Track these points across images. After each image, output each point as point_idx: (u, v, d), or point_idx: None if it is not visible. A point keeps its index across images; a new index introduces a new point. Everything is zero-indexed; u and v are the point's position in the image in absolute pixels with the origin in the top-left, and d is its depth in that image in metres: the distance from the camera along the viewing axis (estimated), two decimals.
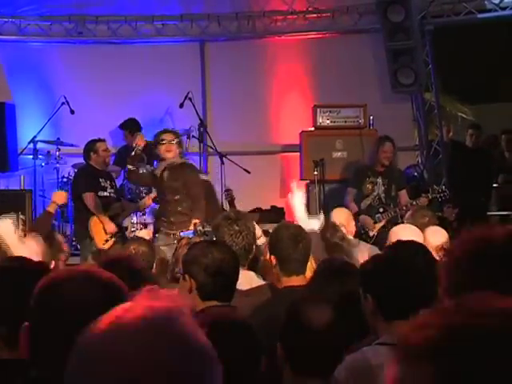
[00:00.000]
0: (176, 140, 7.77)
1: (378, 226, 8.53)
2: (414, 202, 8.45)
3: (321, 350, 2.74)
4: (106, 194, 8.83)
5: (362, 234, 8.29)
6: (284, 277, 4.12)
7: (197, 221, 7.20)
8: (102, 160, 8.93)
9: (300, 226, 4.52)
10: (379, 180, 8.81)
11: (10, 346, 2.34)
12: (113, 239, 8.52)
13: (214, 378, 1.22)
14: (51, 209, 6.59)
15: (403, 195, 8.82)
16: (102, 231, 8.53)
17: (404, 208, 8.42)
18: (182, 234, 7.22)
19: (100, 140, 9.02)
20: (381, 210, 8.69)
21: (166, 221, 7.63)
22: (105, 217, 8.59)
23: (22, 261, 2.68)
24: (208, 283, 3.56)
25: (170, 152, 7.68)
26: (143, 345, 1.16)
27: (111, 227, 8.55)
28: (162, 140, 7.72)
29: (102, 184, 8.84)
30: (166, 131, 7.96)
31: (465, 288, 2.03)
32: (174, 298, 1.25)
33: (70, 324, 1.63)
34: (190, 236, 6.62)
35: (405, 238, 5.33)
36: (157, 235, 7.82)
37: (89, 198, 8.65)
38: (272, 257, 4.18)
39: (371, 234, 8.47)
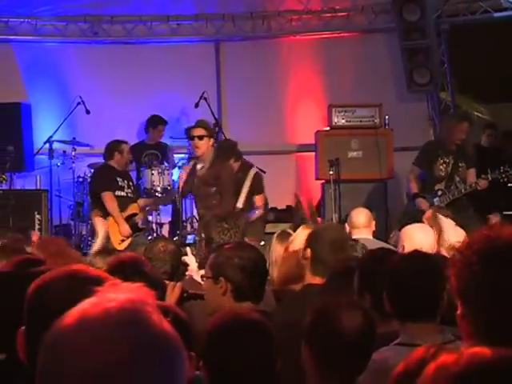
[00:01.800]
0: (206, 134, 7.82)
1: None
2: (474, 184, 8.29)
3: (348, 351, 2.71)
4: (123, 193, 8.84)
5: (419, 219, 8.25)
6: (311, 275, 4.13)
7: None
8: (125, 161, 9.00)
9: (343, 232, 4.54)
10: (451, 159, 8.55)
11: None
12: (129, 239, 8.53)
13: (180, 366, 1.23)
14: None
15: (471, 174, 8.51)
16: (118, 231, 8.55)
17: (466, 189, 8.26)
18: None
19: (125, 142, 9.10)
20: (439, 193, 8.53)
21: None
22: (121, 218, 8.60)
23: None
24: (245, 283, 3.58)
25: (197, 148, 7.79)
26: (108, 338, 1.17)
27: (125, 230, 8.56)
28: (191, 135, 7.85)
29: (120, 184, 8.86)
30: (195, 126, 8.01)
31: (474, 287, 2.03)
32: (139, 291, 1.27)
33: None
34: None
35: (417, 238, 5.38)
36: None
37: (107, 197, 8.67)
38: (309, 250, 4.16)
39: None
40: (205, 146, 7.85)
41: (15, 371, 2.14)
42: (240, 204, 8.04)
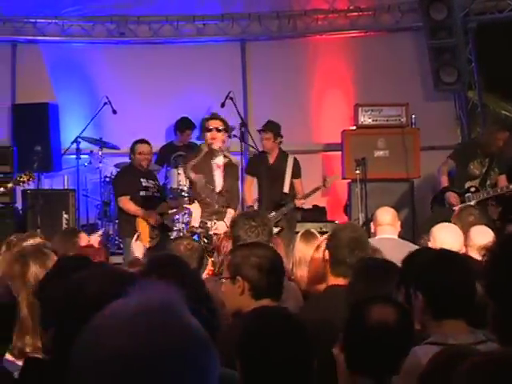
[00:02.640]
0: (223, 128, 7.81)
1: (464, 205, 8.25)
2: (505, 188, 8.35)
3: (383, 349, 2.69)
4: (148, 194, 8.85)
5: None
6: (332, 276, 4.15)
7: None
8: (140, 161, 8.95)
9: (363, 232, 4.53)
10: (487, 162, 8.64)
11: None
12: (157, 238, 8.53)
13: (212, 362, 1.23)
14: None
15: (502, 179, 8.63)
16: (147, 230, 8.57)
17: (501, 190, 8.32)
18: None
19: (140, 141, 9.07)
20: (472, 189, 8.55)
21: None
22: (144, 212, 8.59)
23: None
24: (262, 281, 3.59)
25: (214, 140, 7.73)
26: (138, 337, 1.18)
27: (155, 218, 8.53)
28: (209, 127, 7.79)
29: (144, 184, 8.86)
30: (213, 117, 8.01)
31: (503, 287, 2.02)
32: (168, 289, 1.27)
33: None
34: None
35: (444, 237, 5.37)
36: None
37: (122, 202, 8.70)
38: (327, 252, 4.20)
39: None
40: (221, 140, 7.82)
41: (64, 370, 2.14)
42: (286, 189, 8.80)
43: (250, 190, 9.10)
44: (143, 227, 8.57)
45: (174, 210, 8.94)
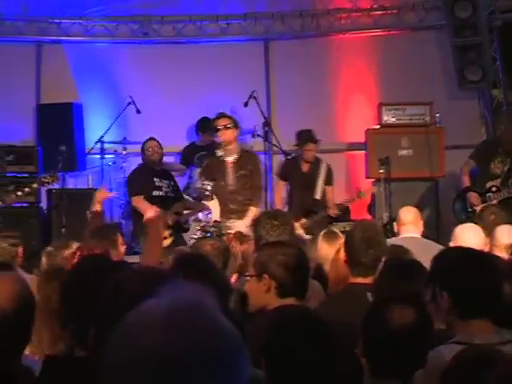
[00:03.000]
0: (231, 124, 7.89)
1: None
2: None
3: (403, 350, 2.71)
4: (161, 193, 8.82)
5: (468, 212, 8.21)
6: (351, 276, 4.19)
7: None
8: (149, 160, 8.98)
9: (377, 229, 4.55)
10: (509, 161, 8.57)
11: (82, 343, 2.42)
12: (171, 238, 8.49)
13: (243, 362, 1.24)
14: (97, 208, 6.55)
15: None
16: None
17: None
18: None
19: (149, 139, 9.16)
20: (494, 189, 8.50)
21: None
22: (147, 204, 8.57)
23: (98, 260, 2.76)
24: (288, 280, 3.62)
25: (225, 136, 7.90)
26: (171, 334, 1.19)
27: (150, 210, 8.41)
28: (217, 126, 7.94)
29: (157, 184, 8.85)
30: (220, 116, 8.12)
31: None
32: (199, 289, 1.29)
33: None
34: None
35: (466, 238, 5.36)
36: None
37: (135, 202, 8.73)
38: (344, 253, 4.25)
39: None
40: (232, 136, 7.96)
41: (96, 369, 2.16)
42: (318, 196, 8.86)
43: (280, 194, 9.21)
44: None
45: (189, 211, 8.92)
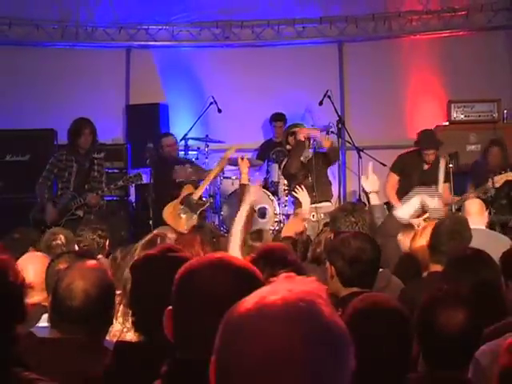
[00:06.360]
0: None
1: None
2: None
3: (453, 350, 2.71)
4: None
5: None
6: (432, 263, 4.34)
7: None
8: (166, 155, 9.62)
9: (465, 224, 4.64)
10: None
11: (141, 329, 2.52)
12: (193, 221, 8.63)
13: (349, 358, 1.26)
14: None
15: None
16: (177, 216, 8.83)
17: None
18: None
19: (164, 134, 9.79)
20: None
21: None
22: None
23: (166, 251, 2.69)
24: (346, 270, 3.73)
25: (304, 133, 8.50)
26: (287, 323, 1.21)
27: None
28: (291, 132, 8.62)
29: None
30: (295, 125, 8.82)
31: None
32: (312, 283, 1.30)
33: (205, 309, 1.82)
34: None
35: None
36: None
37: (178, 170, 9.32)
38: (429, 239, 4.43)
39: None
40: (305, 133, 8.57)
41: (155, 354, 2.25)
42: (440, 190, 8.49)
43: (394, 188, 8.85)
44: (173, 215, 8.81)
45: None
